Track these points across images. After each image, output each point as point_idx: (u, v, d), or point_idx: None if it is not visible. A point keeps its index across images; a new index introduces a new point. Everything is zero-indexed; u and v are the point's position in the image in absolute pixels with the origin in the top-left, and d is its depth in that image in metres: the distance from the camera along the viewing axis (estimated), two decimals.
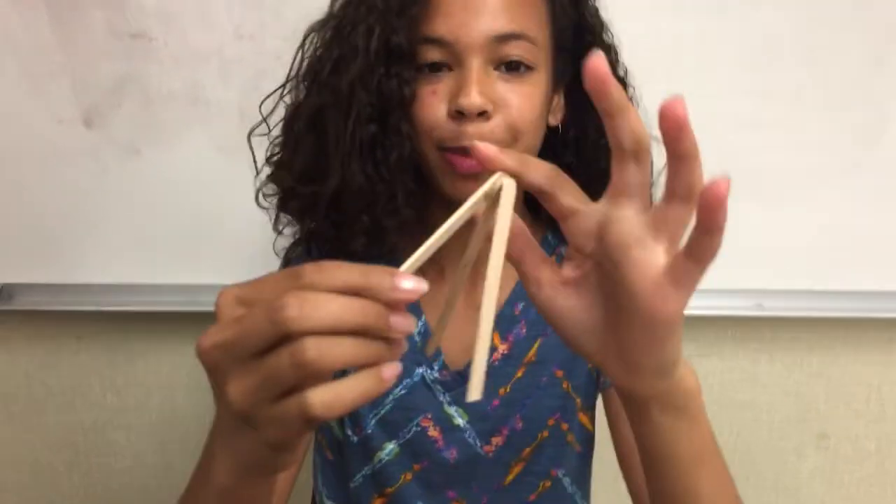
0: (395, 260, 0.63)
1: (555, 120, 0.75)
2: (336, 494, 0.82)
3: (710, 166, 1.28)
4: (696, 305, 1.27)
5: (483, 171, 0.66)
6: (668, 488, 0.52)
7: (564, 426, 0.78)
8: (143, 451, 1.45)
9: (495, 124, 0.65)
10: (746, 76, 1.18)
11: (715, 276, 1.36)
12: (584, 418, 0.79)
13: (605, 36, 0.76)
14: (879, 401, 1.39)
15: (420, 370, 0.76)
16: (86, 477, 1.47)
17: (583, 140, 0.75)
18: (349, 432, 0.78)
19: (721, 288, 1.28)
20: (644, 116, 0.60)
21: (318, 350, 0.35)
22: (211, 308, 1.08)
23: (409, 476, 0.77)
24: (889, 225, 1.25)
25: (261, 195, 0.78)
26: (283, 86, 0.75)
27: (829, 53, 1.17)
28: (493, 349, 0.76)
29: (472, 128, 0.64)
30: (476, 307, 0.76)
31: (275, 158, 0.77)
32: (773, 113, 1.20)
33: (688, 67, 1.18)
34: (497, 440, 0.77)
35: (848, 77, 1.18)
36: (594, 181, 0.75)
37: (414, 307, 0.78)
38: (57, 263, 1.30)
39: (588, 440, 0.81)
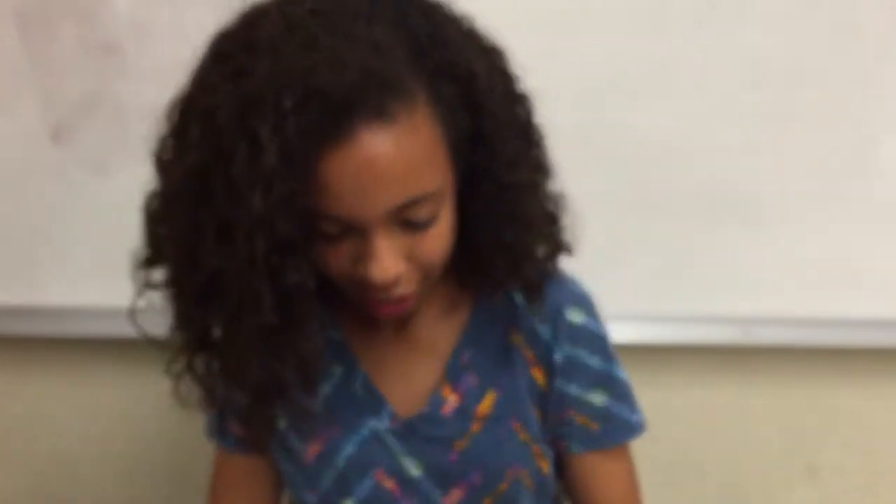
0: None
1: None
2: None
3: (698, 190, 1.27)
4: (682, 334, 1.26)
5: (404, 311, 0.65)
6: None
7: (522, 472, 0.75)
8: (109, 482, 1.40)
9: (408, 277, 0.61)
10: (734, 100, 1.17)
11: (701, 303, 1.34)
12: (541, 463, 0.76)
13: (507, 124, 0.65)
14: (869, 433, 1.36)
15: (370, 423, 0.74)
16: None
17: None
18: (305, 495, 0.76)
19: (707, 315, 1.26)
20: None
21: None
22: None
23: None
24: (879, 252, 1.23)
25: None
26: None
27: (818, 78, 1.16)
28: (443, 401, 0.73)
29: (386, 287, 0.60)
30: (420, 349, 0.74)
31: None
32: (759, 137, 1.18)
33: (676, 90, 1.16)
34: (457, 493, 0.73)
35: (836, 101, 1.17)
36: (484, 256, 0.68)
37: (349, 357, 0.75)
38: (20, 285, 1.25)
39: (543, 480, 0.78)
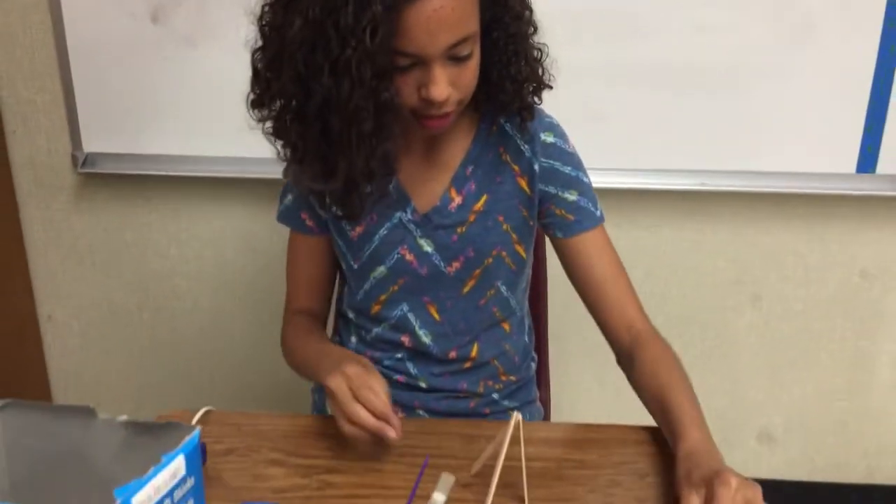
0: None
1: None
2: (350, 304, 1.13)
3: (665, 64, 1.54)
4: (651, 182, 1.57)
5: (446, 126, 0.94)
6: None
7: (504, 253, 1.05)
8: (200, 295, 1.78)
9: (452, 99, 0.88)
10: None
11: (666, 157, 1.65)
12: (519, 248, 1.07)
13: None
14: (805, 268, 1.66)
15: (398, 214, 1.04)
16: (154, 316, 1.81)
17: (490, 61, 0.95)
18: (351, 262, 1.08)
19: (671, 168, 1.55)
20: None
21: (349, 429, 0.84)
22: (257, 175, 1.37)
23: (395, 288, 1.06)
24: (815, 115, 1.50)
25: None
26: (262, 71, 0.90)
27: None
28: (451, 200, 1.03)
29: (439, 105, 0.88)
30: (437, 164, 1.03)
31: (282, 146, 0.94)
32: (716, 19, 1.44)
33: None
34: (456, 264, 1.04)
35: None
36: (496, 97, 0.98)
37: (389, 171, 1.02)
38: (131, 136, 1.61)
39: (520, 262, 1.09)
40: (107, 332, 1.83)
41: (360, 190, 0.93)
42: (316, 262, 1.11)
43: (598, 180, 1.55)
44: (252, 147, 1.55)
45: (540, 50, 0.99)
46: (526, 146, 1.03)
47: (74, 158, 1.64)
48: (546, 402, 1.28)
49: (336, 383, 0.85)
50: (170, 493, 0.57)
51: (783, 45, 1.45)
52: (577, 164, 1.05)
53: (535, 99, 1.01)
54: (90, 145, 1.63)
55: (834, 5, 1.42)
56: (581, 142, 1.11)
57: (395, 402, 1.08)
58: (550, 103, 1.07)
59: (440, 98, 0.86)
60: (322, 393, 1.16)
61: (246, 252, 1.73)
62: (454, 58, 0.86)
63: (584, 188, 1.05)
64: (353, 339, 1.13)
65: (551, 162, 1.03)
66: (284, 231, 1.11)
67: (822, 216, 1.61)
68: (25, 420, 0.66)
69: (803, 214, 1.61)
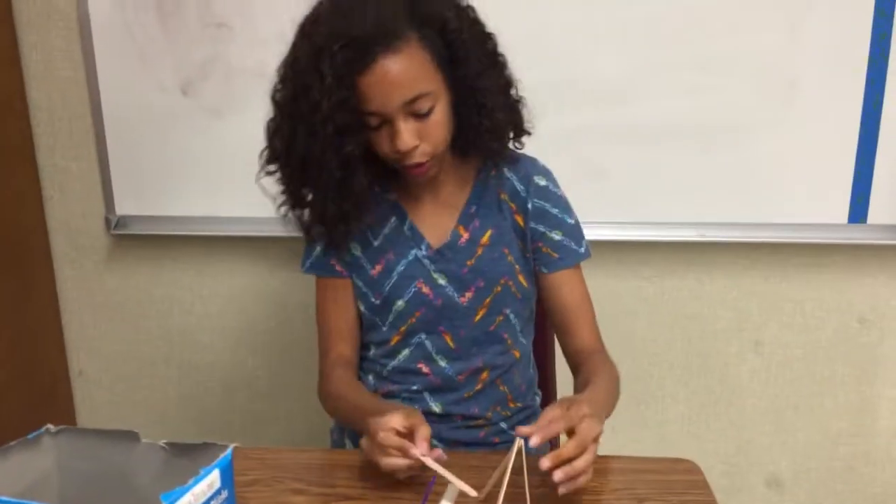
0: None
1: None
2: (371, 339, 1.21)
3: (661, 123, 1.67)
4: (651, 234, 1.65)
5: (427, 173, 1.08)
6: None
7: (510, 283, 1.15)
8: (223, 350, 1.86)
9: (421, 150, 1.02)
10: (684, 49, 1.55)
11: (665, 210, 1.75)
12: (521, 278, 1.17)
13: (473, 50, 1.04)
14: (803, 314, 1.72)
15: (413, 251, 1.14)
16: (179, 368, 1.89)
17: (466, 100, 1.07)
18: (373, 299, 1.17)
19: (670, 220, 1.64)
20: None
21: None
22: (276, 234, 1.47)
23: (413, 320, 1.15)
24: (807, 167, 1.59)
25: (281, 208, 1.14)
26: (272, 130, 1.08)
27: (750, 27, 1.52)
28: (459, 236, 1.14)
29: (409, 156, 1.02)
30: (444, 206, 1.14)
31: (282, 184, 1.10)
32: (706, 79, 1.55)
33: (637, 43, 1.54)
34: (468, 294, 1.14)
35: (768, 47, 1.53)
36: (471, 133, 1.10)
37: (401, 211, 1.16)
38: (160, 199, 1.72)
39: (524, 291, 1.18)
40: (135, 386, 1.91)
41: (338, 228, 1.10)
42: (348, 306, 1.20)
43: (600, 233, 1.67)
44: (271, 208, 1.68)
45: (517, 100, 1.11)
46: (521, 187, 1.15)
47: (108, 221, 1.75)
48: (554, 440, 1.34)
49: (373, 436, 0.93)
50: (207, 502, 0.64)
51: (771, 103, 1.55)
52: (564, 206, 1.17)
53: (516, 144, 1.14)
54: (123, 208, 1.74)
55: (817, 63, 1.53)
56: (583, 197, 1.21)
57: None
58: (553, 163, 1.19)
59: (405, 148, 1.01)
60: (340, 432, 1.24)
61: (266, 307, 1.82)
62: (415, 114, 1.00)
63: (568, 228, 1.16)
64: (371, 377, 1.21)
65: (542, 203, 1.15)
66: (302, 287, 1.20)
67: (817, 265, 1.68)
68: (76, 444, 0.74)
69: (799, 263, 1.69)
